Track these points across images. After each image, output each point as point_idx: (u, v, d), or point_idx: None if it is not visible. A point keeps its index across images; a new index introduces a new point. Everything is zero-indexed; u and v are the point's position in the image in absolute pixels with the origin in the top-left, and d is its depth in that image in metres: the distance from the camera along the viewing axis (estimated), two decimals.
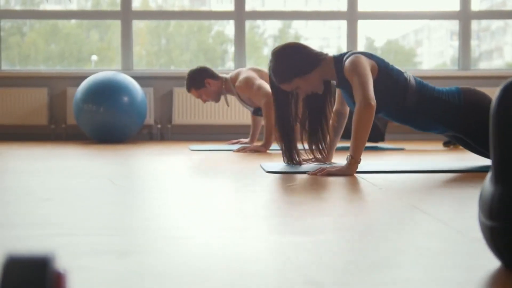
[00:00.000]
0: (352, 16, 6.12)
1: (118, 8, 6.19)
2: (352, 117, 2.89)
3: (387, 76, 3.01)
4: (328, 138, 3.24)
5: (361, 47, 8.58)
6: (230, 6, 6.25)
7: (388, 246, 1.46)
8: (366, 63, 2.95)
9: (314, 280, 1.16)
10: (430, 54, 13.52)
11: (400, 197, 2.19)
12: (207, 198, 2.23)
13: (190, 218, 1.82)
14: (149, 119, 5.97)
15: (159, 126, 6.04)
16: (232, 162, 3.61)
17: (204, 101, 4.79)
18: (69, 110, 5.84)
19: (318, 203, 2.11)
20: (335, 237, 1.56)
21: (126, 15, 6.12)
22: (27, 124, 5.97)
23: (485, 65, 12.58)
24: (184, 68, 7.43)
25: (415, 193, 2.34)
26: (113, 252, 1.37)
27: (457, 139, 3.17)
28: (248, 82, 4.49)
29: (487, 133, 2.92)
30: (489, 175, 1.27)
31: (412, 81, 3.06)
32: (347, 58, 3.00)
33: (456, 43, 8.27)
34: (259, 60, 8.69)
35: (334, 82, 3.16)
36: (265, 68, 4.04)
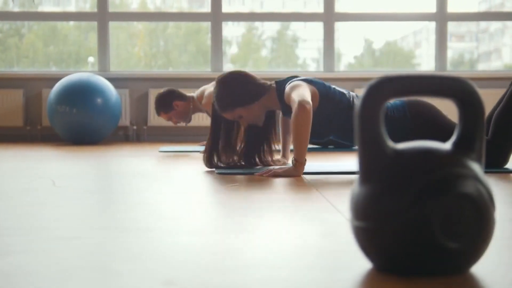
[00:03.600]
0: (328, 17, 6.11)
1: (112, 9, 6.20)
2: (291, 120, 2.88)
3: (329, 99, 3.01)
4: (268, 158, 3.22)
5: (358, 49, 8.58)
6: (230, 8, 6.24)
7: (277, 246, 1.45)
8: (306, 87, 2.95)
9: (171, 280, 1.16)
10: (429, 55, 13.48)
11: (329, 197, 2.18)
12: (134, 199, 2.23)
13: (99, 219, 1.83)
14: (125, 121, 5.98)
15: (134, 127, 6.05)
16: (193, 163, 3.61)
17: (175, 123, 4.82)
18: (45, 112, 5.85)
19: (239, 203, 2.11)
20: (224, 237, 1.56)
21: (102, 16, 6.13)
22: (2, 126, 5.97)
23: (483, 67, 12.53)
24: (182, 69, 7.43)
25: (347, 195, 2.33)
26: None
27: None
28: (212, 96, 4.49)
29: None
30: (357, 176, 1.26)
31: (356, 101, 3.04)
32: (288, 85, 3.00)
33: (455, 44, 8.24)
34: (258, 62, 8.70)
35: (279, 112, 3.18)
36: None
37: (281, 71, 7.02)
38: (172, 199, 2.23)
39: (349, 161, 3.79)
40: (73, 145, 5.30)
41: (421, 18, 6.54)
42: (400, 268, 1.19)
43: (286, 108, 3.05)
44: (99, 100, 5.24)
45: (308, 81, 3.04)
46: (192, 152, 4.46)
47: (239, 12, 7.27)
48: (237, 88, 3.04)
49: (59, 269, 1.24)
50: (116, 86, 5.63)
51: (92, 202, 2.17)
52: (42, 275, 1.20)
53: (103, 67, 6.15)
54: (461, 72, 6.29)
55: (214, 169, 3.10)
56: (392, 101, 3.11)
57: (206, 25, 7.69)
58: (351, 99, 3.06)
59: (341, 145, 4.72)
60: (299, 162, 2.81)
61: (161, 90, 4.80)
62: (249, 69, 7.80)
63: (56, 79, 5.66)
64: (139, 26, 8.12)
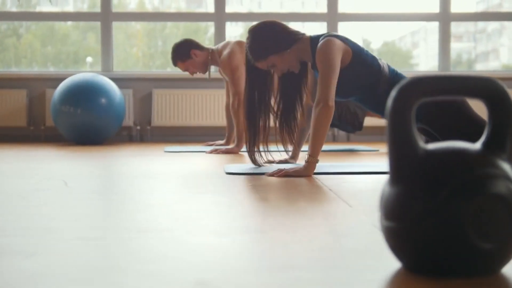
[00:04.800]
0: (332, 17, 6.11)
1: (112, 10, 6.18)
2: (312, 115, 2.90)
3: (361, 61, 3.02)
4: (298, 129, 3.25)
5: None
6: (227, 8, 6.22)
7: (301, 246, 1.45)
8: (338, 48, 2.94)
9: (203, 281, 1.15)
10: (427, 56, 13.50)
11: (344, 197, 2.18)
12: (147, 199, 2.22)
13: (114, 219, 1.82)
14: (128, 121, 5.97)
15: (138, 127, 6.04)
16: (201, 163, 3.60)
17: (192, 73, 4.69)
18: (48, 112, 5.83)
19: (254, 204, 2.10)
20: (246, 238, 1.56)
21: (105, 16, 6.12)
22: (6, 126, 5.95)
23: (481, 67, 12.55)
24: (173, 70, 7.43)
25: (363, 195, 2.33)
26: (20, 253, 1.37)
27: (424, 131, 3.15)
28: (232, 64, 4.41)
29: (453, 127, 2.94)
30: (387, 176, 1.26)
31: (386, 69, 3.07)
32: (321, 40, 3.00)
33: (453, 44, 8.21)
34: None
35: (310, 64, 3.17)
36: None
37: None
38: (186, 200, 2.23)
39: (358, 161, 3.80)
40: (77, 145, 5.30)
41: (424, 18, 6.55)
42: (431, 269, 1.19)
43: (316, 63, 3.02)
44: (103, 100, 5.23)
45: (342, 39, 3.02)
46: (198, 153, 4.45)
47: (243, 12, 7.27)
48: (269, 36, 3.04)
49: (85, 270, 1.24)
50: (119, 86, 5.62)
51: (106, 202, 2.17)
52: (69, 276, 1.19)
53: (106, 67, 6.14)
54: (442, 72, 6.28)
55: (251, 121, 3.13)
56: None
57: (205, 25, 7.69)
58: (382, 65, 3.06)
59: (345, 129, 4.64)
60: (312, 161, 2.82)
61: (177, 41, 4.68)
62: None
63: (60, 79, 5.65)
64: (137, 26, 8.10)
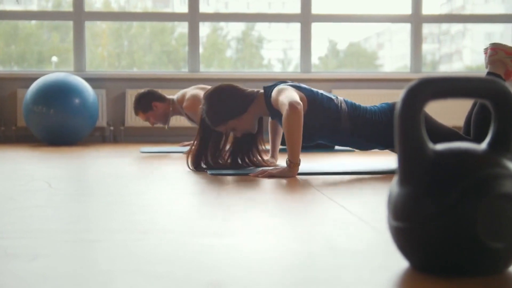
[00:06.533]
0: (306, 18, 6.14)
1: (84, 9, 6.11)
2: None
3: (317, 105, 3.00)
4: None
5: (323, 49, 8.63)
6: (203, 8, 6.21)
7: (305, 248, 1.46)
8: (293, 91, 2.95)
9: (215, 282, 1.16)
10: (392, 57, 13.67)
11: (332, 198, 2.20)
12: (139, 200, 2.21)
13: (113, 221, 1.81)
14: (102, 121, 5.92)
15: (111, 128, 5.98)
16: (180, 164, 3.59)
17: (152, 124, 4.82)
18: (19, 112, 5.75)
19: (248, 205, 2.11)
20: (249, 239, 1.56)
21: (78, 16, 6.05)
22: None
23: (445, 68, 12.74)
24: (146, 70, 7.38)
25: (348, 194, 2.35)
26: (23, 256, 1.35)
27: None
28: (196, 100, 4.46)
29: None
30: (396, 177, 1.28)
31: (344, 106, 3.05)
32: (273, 89, 3.01)
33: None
34: (222, 62, 8.69)
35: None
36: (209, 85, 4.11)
37: (246, 72, 7.01)
38: (178, 200, 2.22)
39: (338, 161, 3.82)
40: (50, 146, 5.23)
41: (397, 20, 6.62)
42: (441, 268, 1.20)
43: (274, 113, 3.05)
44: (76, 101, 5.17)
45: (295, 86, 3.03)
46: (174, 153, 4.44)
47: (217, 13, 7.26)
48: (226, 101, 3.04)
49: (95, 273, 1.23)
50: (92, 86, 5.57)
51: (98, 204, 2.14)
52: (76, 278, 1.18)
53: (79, 67, 6.07)
54: (423, 73, 6.37)
55: (197, 169, 3.12)
56: (379, 105, 3.13)
57: (171, 25, 7.65)
58: (339, 104, 3.05)
59: (323, 146, 4.73)
60: (294, 163, 2.82)
61: (141, 90, 4.78)
62: (214, 69, 7.82)
63: (31, 79, 5.57)
64: (102, 25, 8.02)
